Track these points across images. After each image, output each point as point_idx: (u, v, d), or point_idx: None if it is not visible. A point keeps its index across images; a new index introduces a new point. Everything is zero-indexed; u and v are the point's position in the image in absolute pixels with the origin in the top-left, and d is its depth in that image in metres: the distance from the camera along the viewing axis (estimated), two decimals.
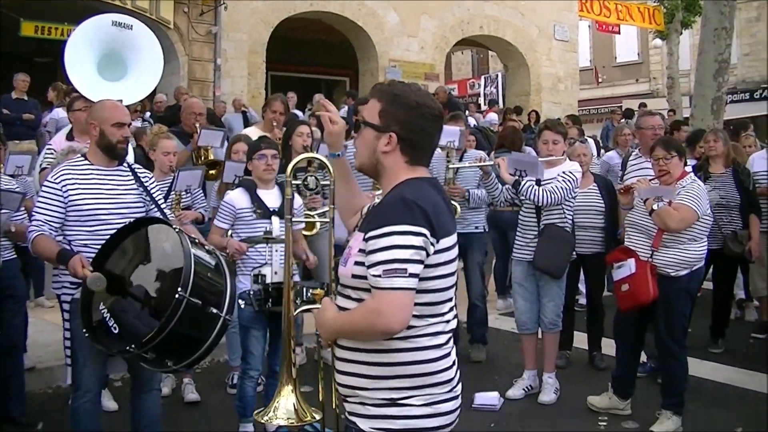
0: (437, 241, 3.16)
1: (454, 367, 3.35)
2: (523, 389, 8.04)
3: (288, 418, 4.16)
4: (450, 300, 3.35)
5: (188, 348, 5.01)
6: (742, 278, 10.89)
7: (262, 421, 4.16)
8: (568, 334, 9.11)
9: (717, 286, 9.26)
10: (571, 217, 7.98)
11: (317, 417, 4.64)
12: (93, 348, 5.20)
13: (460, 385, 3.40)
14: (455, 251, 3.32)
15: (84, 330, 5.11)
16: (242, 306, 6.23)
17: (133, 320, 5.03)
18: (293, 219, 5.00)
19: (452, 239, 3.29)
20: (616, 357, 7.71)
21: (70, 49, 9.27)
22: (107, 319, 5.01)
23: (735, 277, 10.09)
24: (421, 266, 3.11)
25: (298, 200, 7.07)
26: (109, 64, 9.41)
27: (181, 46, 20.43)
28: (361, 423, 3.27)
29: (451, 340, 3.36)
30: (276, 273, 6.32)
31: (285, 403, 4.20)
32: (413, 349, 3.22)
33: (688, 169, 7.40)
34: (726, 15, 15.15)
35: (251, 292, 6.19)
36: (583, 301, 10.41)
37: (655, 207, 6.92)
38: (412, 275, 3.08)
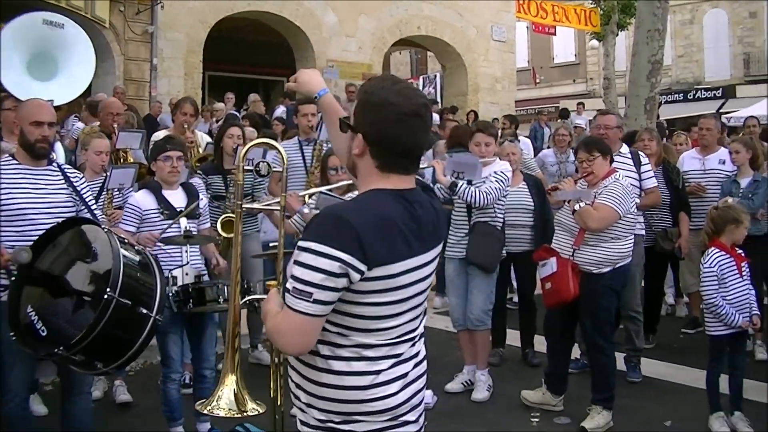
0: (369, 269, 2.85)
1: (403, 392, 3.07)
2: (462, 383, 8.12)
3: (230, 409, 4.12)
4: (402, 325, 3.06)
5: (118, 349, 4.98)
6: (672, 275, 11.04)
7: (204, 412, 4.12)
8: (501, 331, 9.21)
9: (647, 283, 9.39)
10: (502, 216, 8.09)
11: (260, 410, 4.62)
12: (21, 351, 5.14)
13: (415, 411, 3.16)
14: (413, 275, 3.02)
15: (11, 333, 5.05)
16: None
17: (62, 322, 4.97)
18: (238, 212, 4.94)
19: (404, 265, 2.95)
20: (547, 354, 7.81)
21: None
22: (35, 321, 4.95)
23: (665, 274, 10.25)
24: (334, 293, 2.84)
25: (204, 200, 7.04)
26: (40, 64, 9.31)
27: (117, 45, 20.20)
28: None
29: (401, 362, 3.08)
30: (187, 274, 6.25)
31: (228, 393, 4.16)
32: (343, 373, 2.99)
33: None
34: (659, 17, 15.33)
35: (169, 294, 6.04)
36: (515, 299, 10.48)
37: (576, 207, 7.03)
38: (317, 301, 2.83)
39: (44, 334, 4.91)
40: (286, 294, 2.91)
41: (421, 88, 33.36)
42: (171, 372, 6.46)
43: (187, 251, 6.48)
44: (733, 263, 6.93)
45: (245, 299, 4.94)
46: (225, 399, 4.09)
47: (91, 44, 9.84)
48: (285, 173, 4.51)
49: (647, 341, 9.14)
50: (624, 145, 8.55)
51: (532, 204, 8.77)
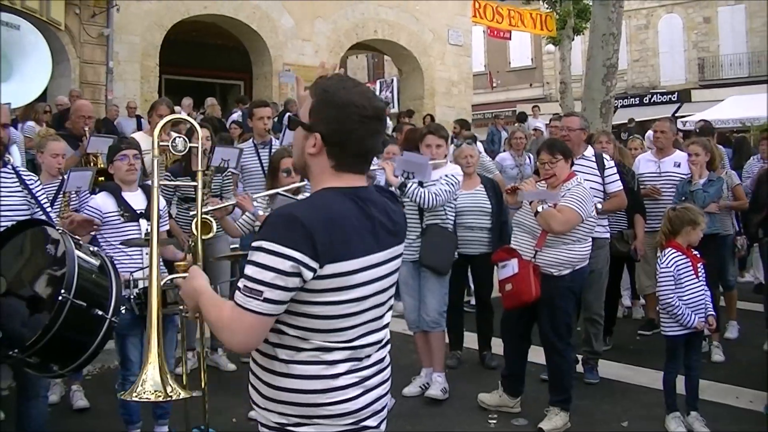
0: (321, 266, 2.85)
1: (365, 397, 3.08)
2: (420, 387, 8.12)
3: (156, 391, 4.08)
4: (362, 326, 3.05)
5: (74, 351, 4.91)
6: (629, 277, 11.12)
7: (131, 398, 4.09)
8: (459, 334, 9.26)
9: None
10: (452, 218, 8.12)
11: (183, 395, 4.56)
12: None
13: (377, 416, 3.17)
14: (369, 274, 3.02)
15: None
16: (122, 311, 6.10)
17: (17, 325, 4.91)
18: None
19: (359, 262, 2.96)
20: (504, 355, 7.82)
21: None
22: None
23: (621, 276, 10.30)
24: (284, 292, 2.84)
25: (162, 202, 7.02)
26: None
27: (73, 48, 20.06)
28: None
29: (364, 367, 3.09)
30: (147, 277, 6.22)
31: (152, 375, 4.12)
32: (299, 376, 2.99)
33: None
34: (614, 21, 15.50)
35: (131, 297, 6.00)
36: (473, 301, 10.50)
37: (539, 209, 7.05)
38: (267, 300, 2.84)
39: None
40: (237, 292, 2.90)
41: (378, 92, 33.56)
42: (130, 375, 6.41)
43: (146, 253, 6.43)
44: (690, 264, 6.98)
45: (167, 278, 4.91)
46: (150, 382, 4.05)
47: (48, 46, 9.76)
48: (209, 152, 4.54)
49: (605, 343, 9.18)
50: (589, 147, 8.57)
51: (490, 206, 8.78)
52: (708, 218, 7.87)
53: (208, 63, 26.60)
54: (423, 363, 8.21)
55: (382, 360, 3.21)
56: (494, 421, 7.41)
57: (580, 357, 8.42)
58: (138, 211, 6.62)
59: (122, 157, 6.65)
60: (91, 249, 5.20)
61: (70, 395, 7.72)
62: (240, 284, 2.89)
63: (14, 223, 5.27)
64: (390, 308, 3.25)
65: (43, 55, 9.69)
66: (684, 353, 7.05)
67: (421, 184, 7.69)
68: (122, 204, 6.60)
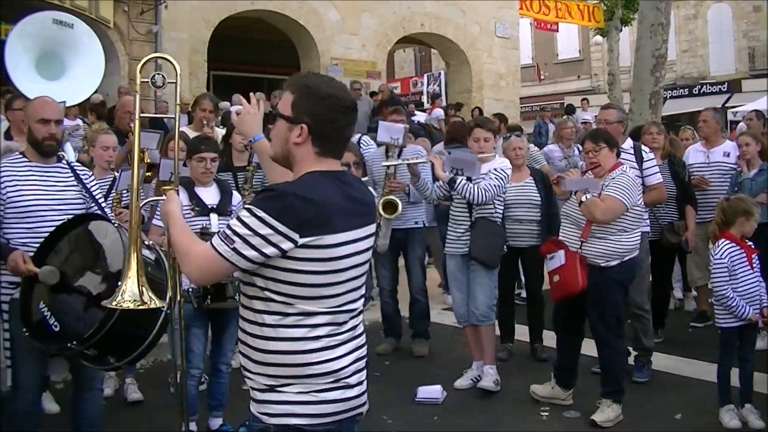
0: (300, 237, 3.15)
1: (345, 358, 3.36)
2: (471, 379, 8.10)
3: (134, 300, 4.15)
4: (342, 295, 3.35)
5: (130, 344, 4.97)
6: (680, 269, 11.03)
7: (111, 306, 4.15)
8: (510, 327, 9.23)
9: (655, 277, 9.36)
10: (501, 211, 8.09)
11: (158, 304, 4.54)
12: (33, 348, 5.17)
13: (355, 376, 3.42)
14: (349, 248, 3.31)
15: (24, 329, 5.08)
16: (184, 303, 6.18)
17: (74, 318, 5.00)
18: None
19: (342, 236, 3.27)
20: (557, 348, 7.80)
21: (9, 47, 9.18)
22: (47, 317, 4.97)
23: (672, 268, 10.21)
24: (254, 252, 3.15)
25: (236, 197, 7.06)
26: (49, 63, 9.34)
27: (122, 45, 20.24)
28: (252, 406, 3.38)
29: (343, 332, 3.37)
30: None
31: (131, 287, 4.19)
32: (285, 338, 3.26)
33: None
34: (662, 11, 15.33)
35: (189, 290, 6.10)
36: (523, 294, 10.47)
37: (583, 198, 7.02)
38: (236, 251, 3.15)
39: (57, 329, 4.93)
40: (214, 238, 3.26)
41: (425, 85, 33.54)
42: (191, 367, 6.46)
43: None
44: (744, 255, 6.91)
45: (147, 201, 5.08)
46: (129, 292, 4.13)
47: (100, 44, 9.85)
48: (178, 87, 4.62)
49: (656, 335, 9.07)
50: (628, 139, 8.49)
51: (539, 199, 8.75)
52: (760, 208, 7.77)
53: (255, 58, 26.69)
54: (474, 356, 8.19)
55: (357, 327, 3.50)
56: (546, 414, 7.38)
57: (632, 351, 8.37)
58: (209, 206, 6.66)
59: (200, 159, 6.69)
60: (146, 242, 5.25)
61: (124, 388, 7.79)
62: (219, 233, 3.26)
63: (70, 217, 5.34)
64: (363, 283, 3.54)
65: (96, 54, 9.77)
66: (738, 345, 6.99)
67: (469, 179, 7.68)
68: (194, 198, 6.65)
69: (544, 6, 29.53)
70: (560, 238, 7.44)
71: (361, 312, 3.54)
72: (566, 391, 7.55)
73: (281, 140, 3.42)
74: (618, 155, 7.40)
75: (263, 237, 3.13)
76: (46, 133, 5.51)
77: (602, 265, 7.08)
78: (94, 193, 5.71)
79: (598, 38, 34.91)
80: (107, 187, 7.29)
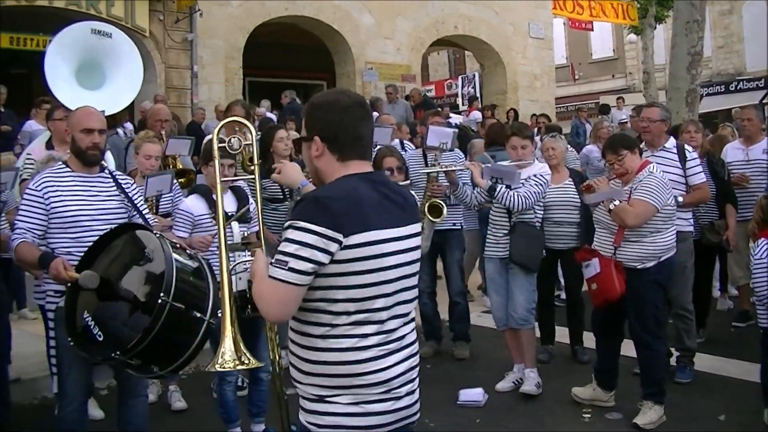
0: (345, 236, 3.17)
1: (395, 368, 3.35)
2: (513, 382, 8.11)
3: (233, 361, 4.19)
4: (388, 297, 3.34)
5: (173, 353, 5.01)
6: (719, 268, 10.94)
7: (213, 369, 4.20)
8: (550, 329, 9.23)
9: (696, 277, 9.29)
10: (541, 214, 8.13)
11: (254, 364, 4.61)
12: (78, 356, 5.21)
13: (407, 386, 3.42)
14: (391, 246, 3.31)
15: (69, 338, 5.13)
16: (219, 315, 6.16)
17: (117, 327, 5.03)
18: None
19: (379, 234, 3.27)
20: (596, 350, 7.77)
21: (49, 57, 9.27)
22: (91, 326, 5.01)
23: (714, 267, 10.14)
24: (310, 264, 3.15)
25: (253, 204, 7.06)
26: (88, 73, 9.42)
27: (158, 53, 20.37)
28: (301, 415, 3.39)
29: (393, 340, 3.37)
30: (240, 279, 6.23)
31: (229, 346, 4.24)
32: (334, 349, 3.27)
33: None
34: (697, 8, 15.25)
35: None
36: (563, 296, 10.44)
37: (611, 206, 7.01)
38: (292, 270, 3.16)
39: (101, 338, 4.97)
40: (269, 266, 3.27)
41: (460, 87, 33.46)
42: (226, 375, 6.51)
43: (239, 256, 6.48)
44: None
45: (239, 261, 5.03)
46: (229, 352, 4.18)
47: (138, 53, 9.93)
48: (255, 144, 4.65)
49: (698, 335, 9.03)
50: (671, 138, 8.42)
51: (578, 201, 8.67)
52: None
53: (290, 64, 26.75)
54: (514, 359, 8.19)
55: (409, 334, 3.49)
56: (588, 416, 7.37)
57: (674, 352, 8.33)
58: (229, 213, 6.64)
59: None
60: (188, 252, 5.30)
61: (168, 395, 7.85)
62: (272, 259, 3.25)
63: (113, 226, 5.39)
64: (415, 286, 3.52)
65: (135, 63, 9.84)
66: None
67: (509, 186, 7.68)
68: (214, 206, 6.65)
69: (577, 5, 29.39)
70: (594, 244, 7.45)
71: (412, 319, 3.52)
72: (608, 393, 7.53)
73: (308, 161, 3.50)
74: (641, 154, 7.38)
75: (312, 246, 3.14)
76: (90, 143, 5.56)
77: (639, 267, 7.07)
78: (136, 202, 5.76)
79: (633, 36, 34.72)
80: None
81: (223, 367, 4.11)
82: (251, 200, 7.00)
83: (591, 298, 7.42)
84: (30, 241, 5.38)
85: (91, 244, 5.29)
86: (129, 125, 15.69)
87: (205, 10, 20.68)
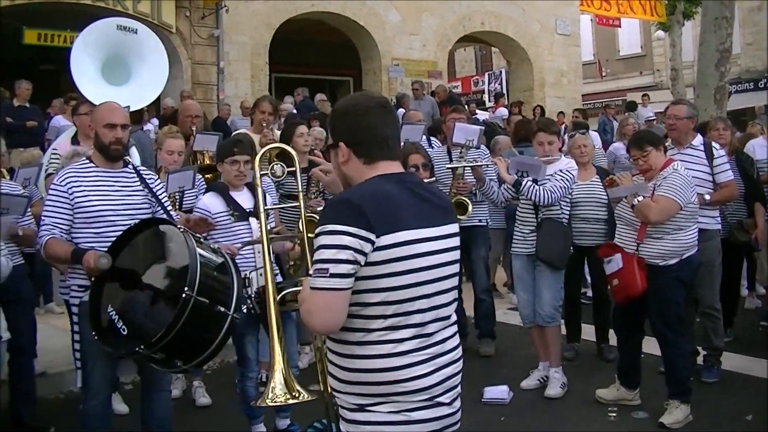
0: (377, 237, 3.09)
1: (436, 374, 3.24)
2: (538, 380, 8.08)
3: (285, 394, 4.20)
4: (426, 299, 3.24)
5: (197, 347, 5.03)
6: (747, 267, 10.85)
7: (265, 405, 4.20)
8: (576, 326, 9.18)
9: (724, 276, 9.20)
10: (568, 211, 8.06)
11: (308, 397, 4.67)
12: (102, 350, 5.22)
13: (450, 393, 3.31)
14: (426, 246, 3.22)
15: (93, 332, 5.14)
16: (243, 310, 6.17)
17: (142, 321, 5.05)
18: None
19: (412, 234, 3.18)
20: (617, 347, 7.74)
21: (75, 53, 9.29)
22: (116, 320, 5.02)
23: (742, 266, 10.05)
24: (350, 266, 3.07)
25: (270, 199, 7.06)
26: (114, 68, 9.44)
27: (184, 49, 20.47)
28: (342, 425, 3.32)
29: (433, 344, 3.26)
30: (261, 275, 6.22)
31: (279, 380, 4.24)
32: (371, 356, 3.18)
33: None
34: (726, 4, 15.12)
35: (253, 295, 6.07)
36: (590, 293, 10.38)
37: (634, 201, 6.97)
38: (334, 275, 3.07)
39: (125, 333, 4.98)
40: (309, 277, 3.18)
41: (486, 84, 33.44)
42: (248, 371, 6.52)
43: (259, 252, 6.48)
44: None
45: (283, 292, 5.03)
46: (279, 387, 4.18)
47: (164, 49, 9.94)
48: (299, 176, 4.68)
49: (725, 334, 8.94)
50: (698, 136, 8.33)
51: (606, 197, 8.56)
52: None
53: (316, 60, 26.78)
54: (540, 357, 8.15)
55: (450, 338, 3.38)
56: (614, 414, 7.32)
57: (701, 351, 8.26)
58: (248, 210, 6.67)
59: (233, 162, 6.67)
60: (212, 246, 5.30)
61: (192, 391, 7.87)
62: (310, 270, 3.18)
63: (137, 221, 5.40)
64: (455, 287, 3.40)
65: (161, 59, 9.85)
66: None
67: (535, 180, 7.65)
68: (231, 203, 6.66)
69: (605, 2, 29.24)
70: (616, 240, 7.41)
71: (455, 322, 3.43)
72: (632, 391, 7.48)
73: (336, 169, 3.49)
74: (665, 152, 7.32)
75: (348, 247, 3.06)
76: (113, 138, 5.56)
77: (661, 264, 7.02)
78: (160, 197, 5.75)
79: (660, 33, 34.51)
80: None
81: (274, 402, 4.13)
82: (267, 197, 6.99)
83: (612, 293, 7.43)
84: (58, 236, 5.40)
85: (114, 238, 5.30)
86: (155, 121, 15.77)
87: (231, 7, 20.76)
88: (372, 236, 3.08)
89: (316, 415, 5.19)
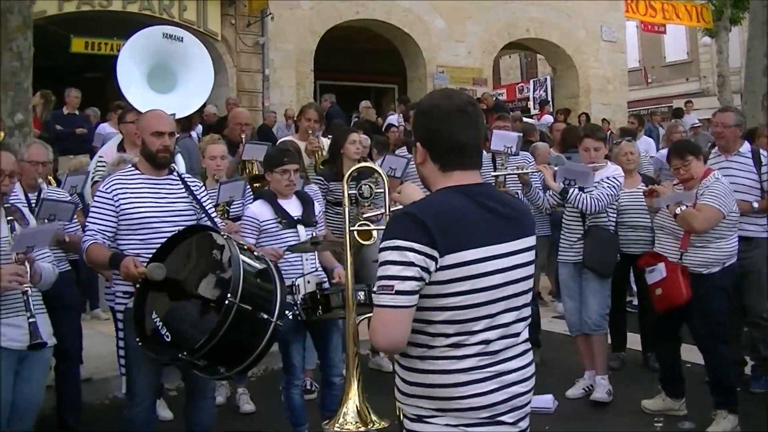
0: (441, 256, 3.00)
1: (499, 393, 3.14)
2: (583, 389, 8.03)
3: (356, 422, 4.22)
4: (490, 317, 3.13)
5: (240, 354, 5.04)
6: None
7: (333, 429, 4.21)
8: (621, 335, 9.09)
9: None
10: (614, 218, 8.01)
11: (383, 424, 4.65)
12: (147, 357, 5.25)
13: (515, 413, 3.21)
14: (495, 264, 3.11)
15: (137, 339, 5.16)
16: (290, 317, 6.17)
17: (185, 328, 5.06)
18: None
19: (480, 252, 3.07)
20: (657, 356, 7.68)
21: (122, 61, 9.37)
22: (159, 327, 5.04)
23: None
24: (415, 282, 3.00)
25: (318, 207, 7.06)
26: (160, 76, 9.49)
27: (229, 57, 20.59)
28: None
29: (498, 362, 3.15)
30: (309, 282, 6.21)
31: (352, 408, 4.26)
32: (432, 371, 3.11)
33: None
34: None
35: (299, 302, 6.07)
36: (636, 302, 10.28)
37: (677, 211, 6.91)
38: (399, 292, 2.99)
39: (168, 339, 4.99)
40: (374, 295, 3.13)
41: (531, 91, 33.28)
42: (294, 379, 6.50)
43: (306, 259, 6.49)
44: None
45: (364, 316, 5.04)
46: (351, 414, 4.19)
47: (209, 57, 10.00)
48: (386, 190, 4.64)
49: None
50: (746, 143, 8.22)
51: None
52: None
53: (361, 67, 26.85)
54: (585, 365, 8.09)
55: (519, 356, 3.27)
56: (660, 425, 7.25)
57: (749, 361, 8.16)
58: (295, 218, 6.64)
59: (283, 171, 6.67)
60: (256, 254, 5.30)
61: (237, 397, 7.88)
62: (375, 287, 3.10)
63: (181, 228, 5.42)
64: (526, 304, 3.31)
65: (206, 66, 9.90)
66: None
67: (581, 188, 7.60)
68: (279, 211, 6.64)
69: (650, 8, 29.00)
70: (657, 249, 7.39)
71: (526, 340, 3.34)
72: (678, 401, 7.41)
73: (416, 167, 3.39)
74: (706, 161, 7.25)
75: (414, 264, 2.98)
76: (160, 146, 5.58)
77: (704, 272, 6.98)
78: (204, 204, 5.77)
79: (707, 39, 34.19)
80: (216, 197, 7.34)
81: (342, 428, 4.14)
82: (316, 204, 7.00)
83: (654, 303, 7.32)
84: (100, 242, 5.43)
85: (159, 245, 5.32)
86: (200, 128, 15.87)
87: (277, 14, 20.86)
88: (435, 253, 3.00)
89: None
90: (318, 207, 7.09)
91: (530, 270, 3.29)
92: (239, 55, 20.85)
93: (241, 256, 4.94)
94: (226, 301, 4.71)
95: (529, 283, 3.30)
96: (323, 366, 6.69)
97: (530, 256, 3.29)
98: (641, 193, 8.48)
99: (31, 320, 4.98)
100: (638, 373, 8.82)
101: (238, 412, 7.77)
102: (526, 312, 3.31)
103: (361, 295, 5.67)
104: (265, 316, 4.95)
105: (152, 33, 9.74)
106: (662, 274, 7.08)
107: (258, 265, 5.14)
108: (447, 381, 3.09)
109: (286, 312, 5.77)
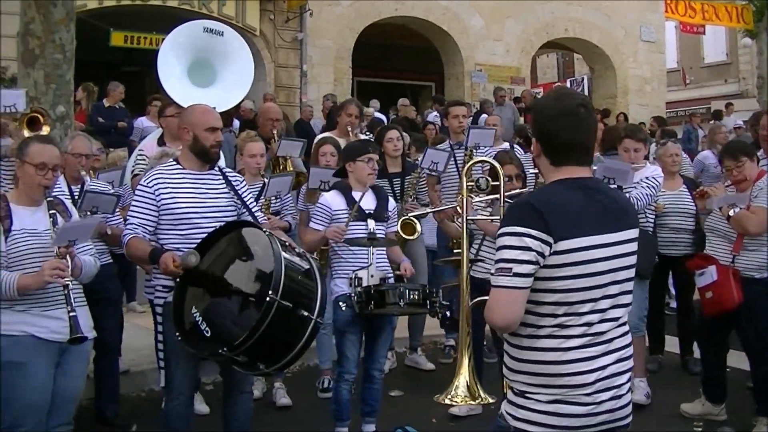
0: (555, 242, 3.27)
1: (601, 371, 3.38)
2: None
3: (465, 396, 4.33)
4: (594, 301, 3.38)
5: (280, 351, 5.03)
6: None
7: (443, 401, 4.35)
8: (659, 338, 9.01)
9: None
10: (653, 219, 7.95)
11: (490, 400, 4.81)
12: (185, 351, 5.26)
13: (611, 391, 3.41)
14: (601, 252, 3.37)
15: (176, 333, 5.17)
16: (343, 309, 6.20)
17: (225, 323, 5.06)
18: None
19: (589, 240, 3.33)
20: (702, 361, 7.58)
21: (163, 55, 9.40)
22: (199, 322, 5.04)
23: None
24: (531, 266, 3.26)
25: (392, 203, 7.06)
26: (200, 71, 9.52)
27: (267, 52, 20.64)
28: (503, 404, 3.54)
29: (600, 343, 3.40)
30: (372, 276, 6.22)
31: (463, 383, 4.37)
32: (539, 348, 3.36)
33: None
34: None
35: (352, 295, 6.10)
36: (674, 304, 10.20)
37: (731, 213, 6.82)
38: (517, 275, 3.26)
39: (208, 334, 5.00)
40: (491, 276, 3.37)
41: None
42: (345, 372, 6.49)
43: (373, 253, 6.47)
44: None
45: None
46: (462, 388, 4.31)
47: (250, 52, 10.01)
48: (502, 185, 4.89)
49: None
50: None
51: (694, 208, 8.42)
52: None
53: (399, 64, 26.84)
54: None
55: (619, 338, 3.50)
56: (699, 429, 7.19)
57: None
58: (367, 211, 6.67)
59: (368, 160, 6.71)
60: (298, 251, 5.29)
61: (273, 392, 7.88)
62: (492, 269, 3.38)
63: (223, 224, 5.42)
64: (629, 291, 3.55)
65: (246, 61, 9.92)
66: None
67: (620, 188, 7.53)
68: (352, 203, 6.66)
69: (690, 8, 28.80)
70: (707, 251, 7.28)
71: (625, 323, 3.56)
72: (718, 406, 7.32)
73: (533, 158, 3.64)
74: (758, 162, 7.17)
75: (531, 249, 3.26)
76: (214, 141, 5.60)
77: (756, 276, 6.87)
78: (245, 200, 5.76)
79: (747, 40, 33.85)
80: (257, 193, 7.33)
81: (452, 401, 4.24)
82: (390, 200, 7.04)
83: (704, 307, 7.22)
84: (141, 236, 5.44)
85: (200, 240, 5.32)
86: (237, 123, 15.90)
87: (315, 10, 20.89)
88: (550, 239, 3.27)
89: (396, 421, 5.19)
90: (392, 203, 7.10)
91: (633, 260, 3.54)
92: (277, 51, 20.91)
93: (283, 253, 4.93)
94: (267, 298, 4.71)
95: (631, 273, 3.54)
96: (366, 359, 6.69)
97: (632, 246, 3.54)
98: (683, 196, 8.43)
99: (71, 314, 4.98)
100: (676, 377, 8.74)
101: (275, 406, 7.77)
102: (625, 299, 3.53)
103: (415, 294, 5.75)
104: (306, 314, 4.94)
105: (193, 27, 9.78)
106: (713, 278, 6.98)
107: (300, 262, 5.13)
108: (553, 359, 3.35)
109: (341, 303, 5.88)
